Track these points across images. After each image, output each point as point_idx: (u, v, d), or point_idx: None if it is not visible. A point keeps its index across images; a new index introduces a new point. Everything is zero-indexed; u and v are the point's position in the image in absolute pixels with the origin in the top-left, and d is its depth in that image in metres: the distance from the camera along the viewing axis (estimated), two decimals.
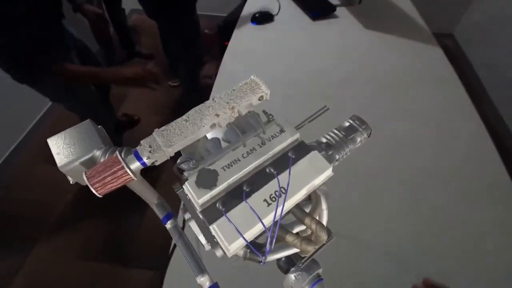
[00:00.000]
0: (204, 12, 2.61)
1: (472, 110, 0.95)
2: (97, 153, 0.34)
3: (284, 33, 1.21)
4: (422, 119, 0.93)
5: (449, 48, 2.65)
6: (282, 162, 0.34)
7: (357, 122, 0.42)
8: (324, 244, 0.35)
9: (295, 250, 0.36)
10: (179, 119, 0.38)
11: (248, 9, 1.31)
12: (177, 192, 0.36)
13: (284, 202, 0.31)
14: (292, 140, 0.36)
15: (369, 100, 0.98)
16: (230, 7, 2.05)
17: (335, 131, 0.43)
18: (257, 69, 1.08)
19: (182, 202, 0.40)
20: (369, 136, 0.44)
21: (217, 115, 0.37)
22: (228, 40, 1.32)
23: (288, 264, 0.37)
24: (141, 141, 0.36)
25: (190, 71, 1.90)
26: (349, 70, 1.07)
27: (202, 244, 0.40)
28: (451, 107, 0.97)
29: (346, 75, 1.05)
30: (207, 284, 0.36)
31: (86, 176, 0.32)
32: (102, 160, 0.34)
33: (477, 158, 0.86)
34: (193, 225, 0.39)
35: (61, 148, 0.33)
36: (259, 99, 0.40)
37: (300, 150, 0.35)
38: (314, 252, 0.35)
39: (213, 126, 0.38)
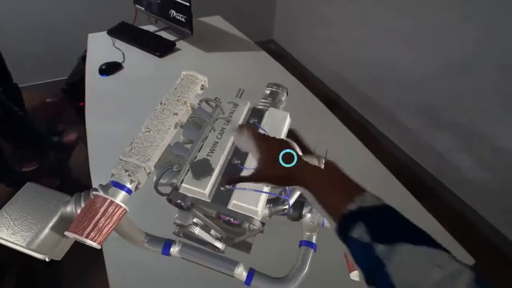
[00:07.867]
0: (40, 81, 2.22)
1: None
2: (68, 208, 0.28)
3: (138, 74, 1.24)
4: None
5: (273, 50, 3.26)
6: None
7: (275, 86, 0.49)
8: None
9: (297, 194, 0.39)
10: (139, 134, 0.35)
11: (92, 65, 1.25)
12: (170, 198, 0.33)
13: None
14: (248, 109, 0.41)
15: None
16: (67, 69, 1.85)
17: (263, 100, 0.47)
18: (125, 113, 1.01)
19: (176, 226, 0.36)
20: (287, 94, 0.51)
21: (176, 114, 0.37)
22: (81, 100, 1.21)
23: (297, 209, 0.40)
24: (112, 171, 0.32)
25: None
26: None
27: (218, 248, 0.38)
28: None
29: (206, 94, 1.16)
30: (244, 274, 0.35)
31: (73, 233, 0.26)
32: (78, 210, 0.28)
33: None
34: (201, 233, 0.37)
35: (12, 226, 0.26)
36: (201, 88, 0.42)
37: (256, 114, 0.41)
38: None
39: (176, 125, 0.37)
